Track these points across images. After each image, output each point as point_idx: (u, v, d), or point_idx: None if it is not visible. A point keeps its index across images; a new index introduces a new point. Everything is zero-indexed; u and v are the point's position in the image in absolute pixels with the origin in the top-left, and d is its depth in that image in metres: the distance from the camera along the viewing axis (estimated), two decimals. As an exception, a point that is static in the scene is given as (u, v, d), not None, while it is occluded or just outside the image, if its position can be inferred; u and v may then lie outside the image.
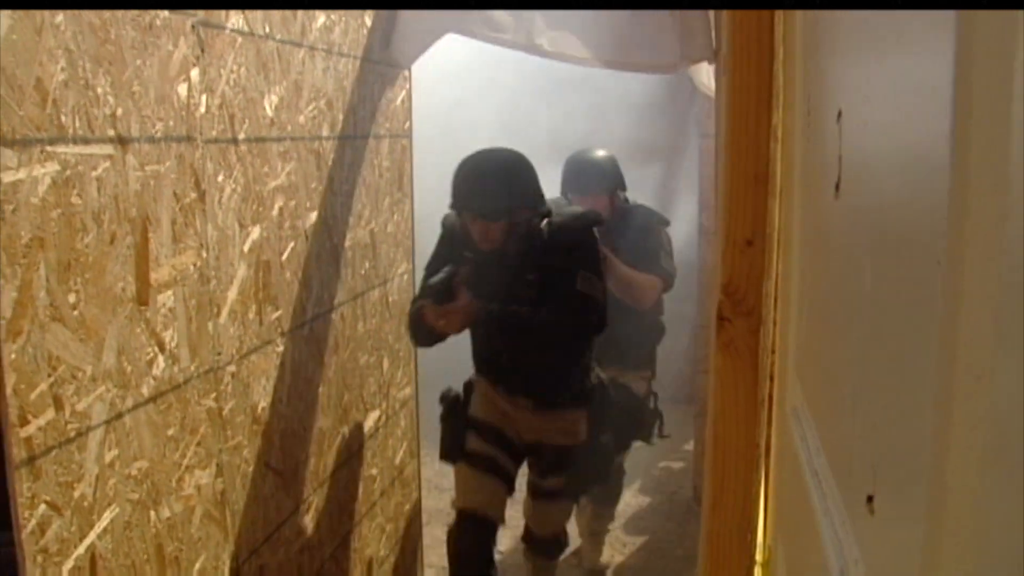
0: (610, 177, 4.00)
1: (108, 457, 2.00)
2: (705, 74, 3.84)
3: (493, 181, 3.15)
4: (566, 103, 6.43)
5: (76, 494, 1.92)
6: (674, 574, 4.53)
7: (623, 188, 4.09)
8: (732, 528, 1.69)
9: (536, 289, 3.21)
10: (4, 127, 1.75)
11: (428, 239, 3.59)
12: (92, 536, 1.97)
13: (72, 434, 1.90)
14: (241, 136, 2.49)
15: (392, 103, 3.62)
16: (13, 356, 1.76)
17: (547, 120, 6.29)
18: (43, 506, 1.83)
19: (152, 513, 2.14)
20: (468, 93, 6.42)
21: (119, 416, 2.02)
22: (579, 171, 3.98)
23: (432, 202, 3.73)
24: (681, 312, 5.17)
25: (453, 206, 3.33)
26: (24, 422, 1.79)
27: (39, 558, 1.84)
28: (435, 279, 3.14)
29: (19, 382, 1.78)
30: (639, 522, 5.11)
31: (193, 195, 2.26)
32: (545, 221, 3.29)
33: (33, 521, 1.81)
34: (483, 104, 6.34)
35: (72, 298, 1.89)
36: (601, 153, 4.05)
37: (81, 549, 1.94)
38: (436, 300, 3.10)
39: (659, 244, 3.95)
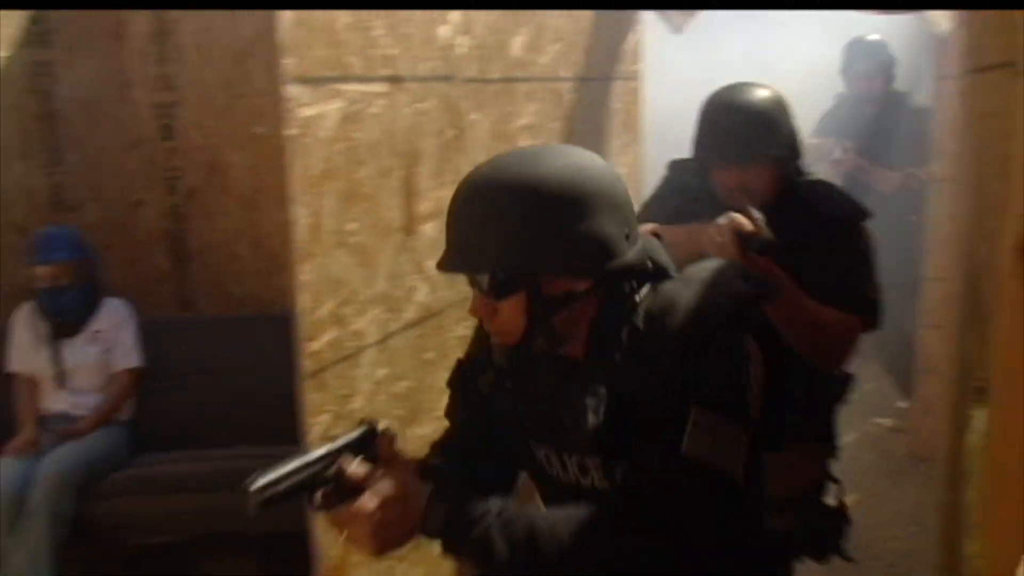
0: (772, 134, 2.16)
1: (378, 375, 2.17)
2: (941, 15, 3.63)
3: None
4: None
5: (352, 407, 2.10)
6: (888, 529, 4.42)
7: (796, 154, 2.24)
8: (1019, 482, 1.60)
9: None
10: (302, 67, 1.90)
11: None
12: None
13: (350, 351, 2.07)
14: (493, 76, 2.59)
15: (624, 45, 3.63)
16: (306, 277, 1.94)
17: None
18: (326, 415, 2.01)
19: (412, 429, 2.31)
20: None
21: (388, 337, 2.19)
22: (720, 125, 2.20)
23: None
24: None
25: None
26: (312, 338, 1.97)
27: (322, 461, 2.03)
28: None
29: (310, 301, 1.95)
30: (851, 478, 5.00)
31: (452, 132, 2.38)
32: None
33: (317, 428, 2.00)
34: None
35: (352, 226, 2.05)
36: (760, 94, 2.20)
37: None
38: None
39: (859, 254, 2.19)
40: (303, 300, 1.94)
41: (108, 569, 3.20)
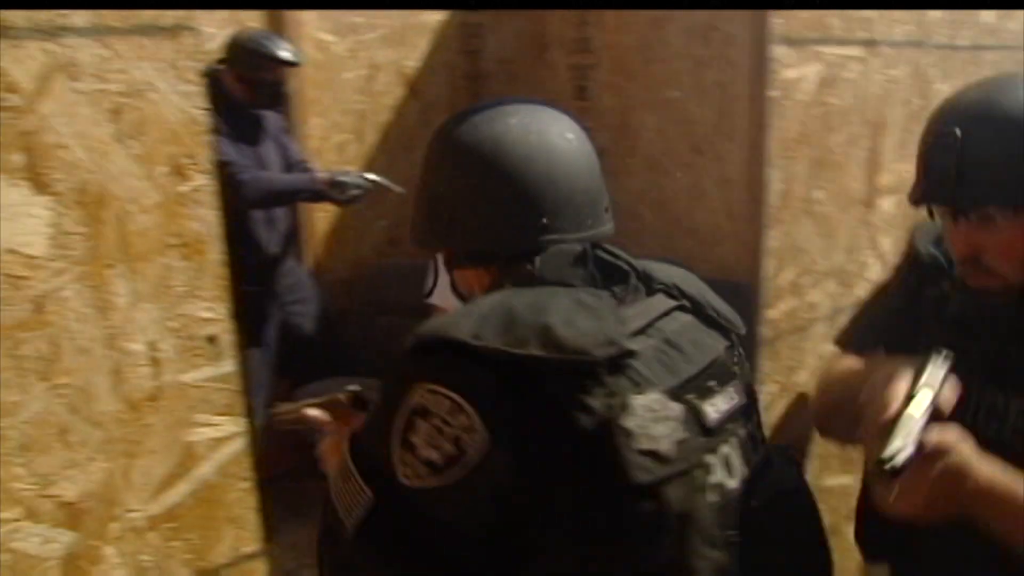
0: None
1: (824, 350, 2.10)
2: None
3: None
4: None
5: (796, 379, 2.05)
6: None
7: None
8: None
9: None
10: (788, 27, 1.86)
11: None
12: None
13: (803, 323, 2.03)
14: (962, 43, 2.39)
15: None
16: (773, 243, 1.91)
17: None
18: (774, 385, 1.99)
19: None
20: None
21: (838, 312, 2.11)
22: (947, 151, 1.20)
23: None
24: None
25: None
26: (773, 305, 1.94)
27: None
28: None
29: (775, 267, 1.93)
30: None
31: (918, 102, 2.23)
32: None
33: (767, 398, 1.97)
34: None
35: (819, 194, 1.99)
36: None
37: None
38: None
39: None
40: (767, 266, 1.92)
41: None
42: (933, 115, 1.20)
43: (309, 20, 3.33)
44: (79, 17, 1.05)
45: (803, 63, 1.90)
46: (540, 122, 1.12)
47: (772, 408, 2.00)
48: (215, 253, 1.20)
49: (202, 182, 1.17)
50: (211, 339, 1.22)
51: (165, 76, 1.12)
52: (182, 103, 1.14)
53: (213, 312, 1.21)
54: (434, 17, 3.77)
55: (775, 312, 1.94)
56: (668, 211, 3.93)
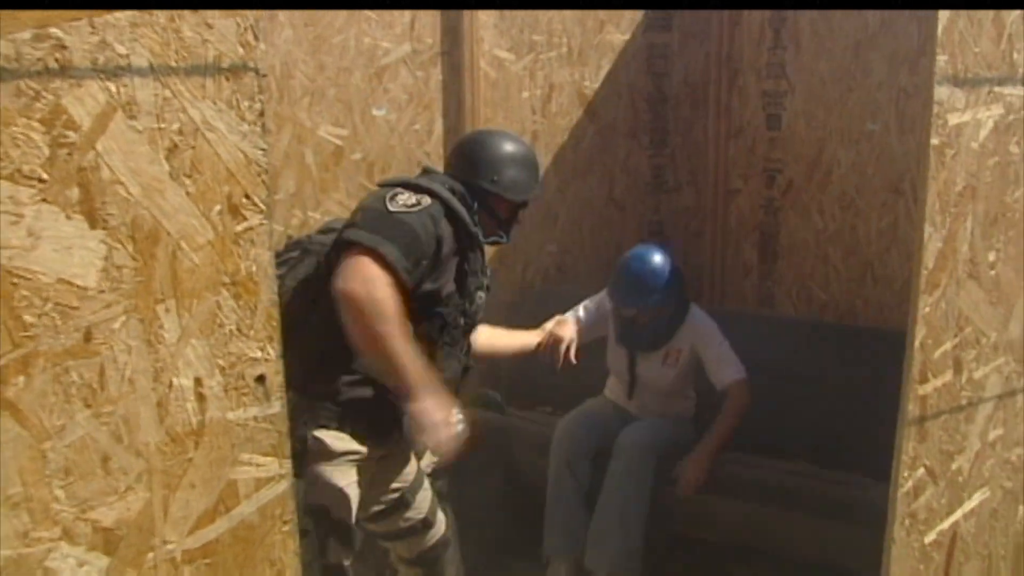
0: None
1: (992, 435, 1.89)
2: None
3: None
4: None
5: (953, 466, 1.86)
6: None
7: None
8: None
9: None
10: (957, 65, 1.69)
11: None
12: (958, 514, 1.90)
13: (963, 402, 1.83)
14: None
15: None
16: (927, 309, 1.74)
17: None
18: (921, 470, 1.81)
19: (1021, 508, 1.99)
20: None
21: (1011, 394, 1.89)
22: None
23: None
24: None
25: None
26: (923, 379, 1.77)
27: (907, 521, 1.83)
28: None
29: (927, 337, 1.75)
30: None
31: None
32: None
33: (909, 483, 1.80)
34: None
35: (991, 256, 1.80)
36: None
37: (945, 524, 1.89)
38: None
39: None
40: (919, 334, 1.75)
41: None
42: None
43: (487, 37, 3.41)
44: (139, 57, 1.12)
45: (975, 106, 1.72)
46: None
47: (918, 497, 1.82)
48: (267, 293, 1.24)
49: (256, 222, 1.21)
50: (260, 379, 1.26)
51: (223, 116, 1.18)
52: (239, 143, 1.19)
53: (263, 352, 1.25)
54: (618, 37, 3.75)
55: (926, 387, 1.77)
56: (858, 254, 3.70)
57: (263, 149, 1.21)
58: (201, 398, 1.22)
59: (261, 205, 1.22)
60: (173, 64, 1.15)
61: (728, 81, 3.91)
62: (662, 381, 3.10)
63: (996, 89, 1.74)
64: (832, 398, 3.18)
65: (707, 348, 3.03)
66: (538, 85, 3.61)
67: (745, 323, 3.52)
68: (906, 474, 1.79)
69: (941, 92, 1.67)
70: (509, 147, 2.29)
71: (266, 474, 1.28)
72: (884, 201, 3.51)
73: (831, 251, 3.74)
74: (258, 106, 1.20)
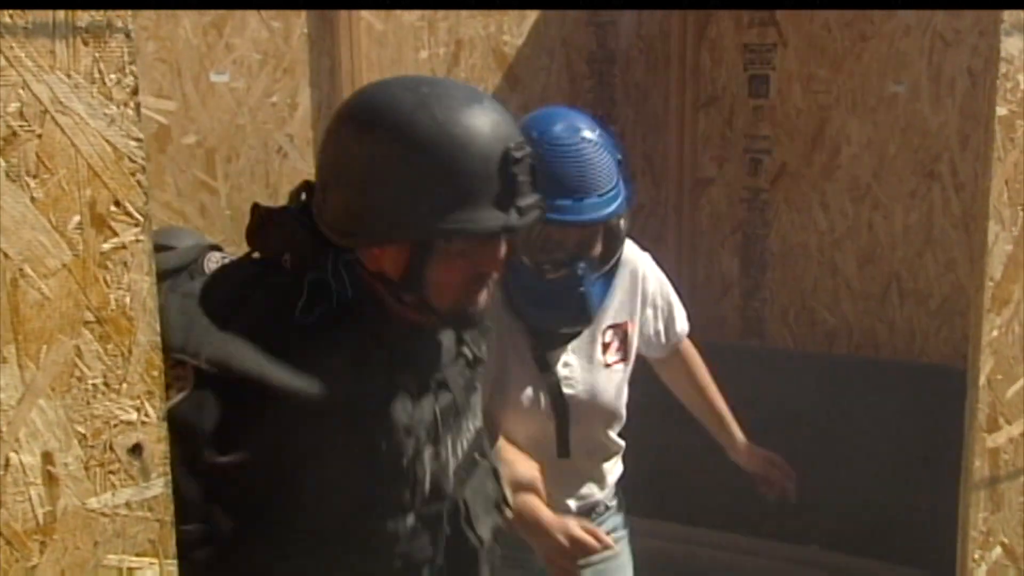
0: None
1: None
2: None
3: None
4: None
5: (1035, 542, 1.99)
6: None
7: None
8: None
9: None
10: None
11: None
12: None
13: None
14: None
15: None
16: (994, 333, 1.87)
17: None
18: (998, 549, 1.93)
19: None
20: None
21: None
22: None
23: None
24: None
25: None
26: (993, 427, 1.89)
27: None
28: None
29: (995, 371, 1.88)
30: None
31: None
32: None
33: (983, 568, 1.92)
34: None
35: (1075, 263, 1.93)
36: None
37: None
38: None
39: None
40: (985, 367, 1.88)
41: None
42: None
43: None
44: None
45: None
46: None
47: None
48: (147, 333, 1.26)
49: (130, 238, 1.24)
50: (135, 449, 1.28)
51: (82, 94, 1.20)
52: (105, 131, 1.21)
53: (139, 413, 1.27)
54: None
55: (998, 437, 1.89)
56: (880, 264, 3.85)
57: (138, 140, 1.23)
58: (52, 480, 1.23)
59: (137, 215, 1.24)
60: (8, 21, 1.16)
61: (696, 32, 4.04)
62: (605, 397, 2.67)
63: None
64: (854, 458, 3.31)
65: (666, 292, 2.83)
66: (441, 41, 3.67)
67: (726, 358, 3.63)
68: (978, 555, 1.91)
69: (1011, 45, 1.80)
70: None
71: (142, 582, 1.29)
72: (913, 190, 3.68)
73: (840, 259, 3.89)
74: (130, 81, 1.22)
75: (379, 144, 1.62)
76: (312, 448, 1.62)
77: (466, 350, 1.89)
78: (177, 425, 1.39)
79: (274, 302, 1.66)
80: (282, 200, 3.30)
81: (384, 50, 3.53)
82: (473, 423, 1.92)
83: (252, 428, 1.59)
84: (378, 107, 1.67)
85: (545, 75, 3.94)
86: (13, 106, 1.18)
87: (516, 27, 3.83)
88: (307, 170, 3.30)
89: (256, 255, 1.77)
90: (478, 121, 1.63)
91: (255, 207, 1.78)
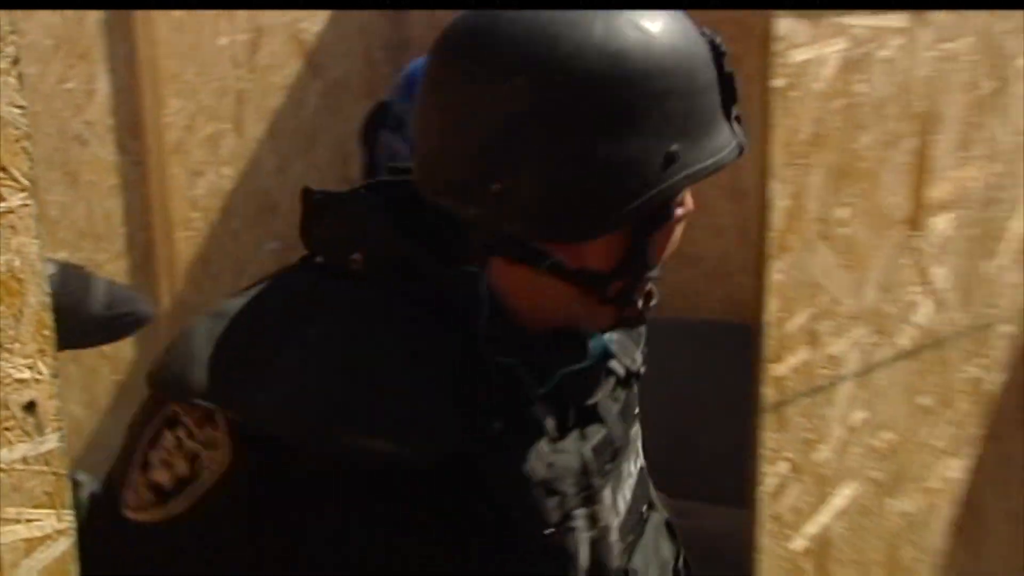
0: None
1: (854, 419, 2.30)
2: None
3: None
4: None
5: (817, 457, 2.24)
6: None
7: None
8: None
9: None
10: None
11: None
12: (827, 514, 2.29)
13: (822, 382, 2.22)
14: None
15: None
16: (778, 276, 2.11)
17: None
18: (784, 463, 2.18)
19: (890, 501, 2.41)
20: None
21: (871, 369, 2.31)
22: None
23: None
24: None
25: None
26: (777, 358, 2.14)
27: (770, 525, 2.20)
28: None
29: (780, 309, 2.12)
30: None
31: (989, 85, 2.42)
32: None
33: (773, 480, 2.16)
34: None
35: (842, 213, 2.19)
36: None
37: (813, 527, 2.27)
38: None
39: None
40: (770, 307, 2.11)
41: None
42: None
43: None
44: None
45: (820, 40, 2.10)
46: None
47: (782, 496, 2.19)
48: (36, 295, 1.35)
49: (17, 202, 1.32)
50: (29, 407, 1.35)
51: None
52: (-9, 101, 1.30)
53: (32, 371, 1.35)
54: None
55: (782, 367, 2.13)
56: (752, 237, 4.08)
57: (21, 107, 1.31)
58: (-49, 437, 1.30)
59: (23, 180, 1.32)
60: None
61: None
62: None
63: (839, 19, 2.13)
64: (711, 413, 3.50)
65: None
66: (240, 28, 3.68)
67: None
68: (767, 470, 2.16)
69: (784, 25, 2.03)
70: None
71: (40, 532, 1.36)
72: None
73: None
74: (11, 50, 1.30)
75: (585, 97, 1.09)
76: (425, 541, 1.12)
77: (615, 364, 1.28)
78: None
79: (354, 323, 1.14)
80: (83, 188, 3.36)
81: (183, 36, 3.52)
82: (635, 464, 1.38)
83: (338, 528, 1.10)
84: (552, 52, 1.09)
85: (345, 62, 4.01)
86: None
87: (314, 15, 3.90)
88: (108, 157, 3.32)
89: (318, 259, 1.25)
90: (667, 19, 1.14)
91: (306, 192, 1.25)
